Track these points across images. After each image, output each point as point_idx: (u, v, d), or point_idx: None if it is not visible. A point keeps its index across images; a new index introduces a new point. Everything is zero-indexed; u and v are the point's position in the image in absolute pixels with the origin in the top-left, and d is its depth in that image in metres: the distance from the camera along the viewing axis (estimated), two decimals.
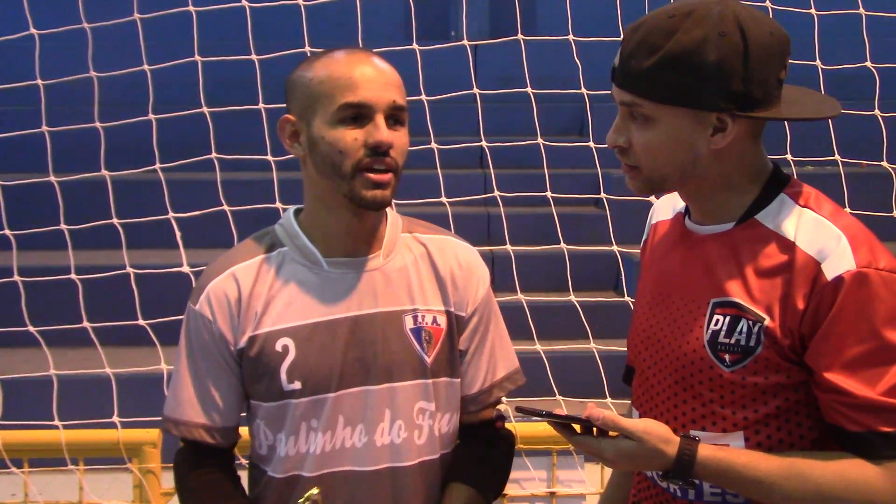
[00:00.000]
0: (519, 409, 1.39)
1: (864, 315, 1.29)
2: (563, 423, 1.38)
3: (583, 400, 2.53)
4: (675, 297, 1.44)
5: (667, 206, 1.58)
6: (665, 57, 1.31)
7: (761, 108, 1.33)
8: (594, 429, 1.36)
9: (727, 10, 1.32)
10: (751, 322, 1.34)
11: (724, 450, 1.33)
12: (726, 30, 1.30)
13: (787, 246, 1.34)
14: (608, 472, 1.91)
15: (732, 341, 1.35)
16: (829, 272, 1.29)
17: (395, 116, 1.50)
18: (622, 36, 1.39)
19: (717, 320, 1.37)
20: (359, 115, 1.47)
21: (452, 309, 1.60)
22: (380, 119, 1.48)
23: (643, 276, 1.58)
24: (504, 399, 1.69)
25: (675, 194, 1.53)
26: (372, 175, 1.47)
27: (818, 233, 1.33)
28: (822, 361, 1.31)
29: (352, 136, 1.47)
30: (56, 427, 2.77)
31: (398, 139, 1.50)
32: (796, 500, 1.31)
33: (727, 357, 1.36)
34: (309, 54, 1.58)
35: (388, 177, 1.49)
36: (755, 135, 1.39)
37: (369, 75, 1.49)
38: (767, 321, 1.32)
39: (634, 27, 1.37)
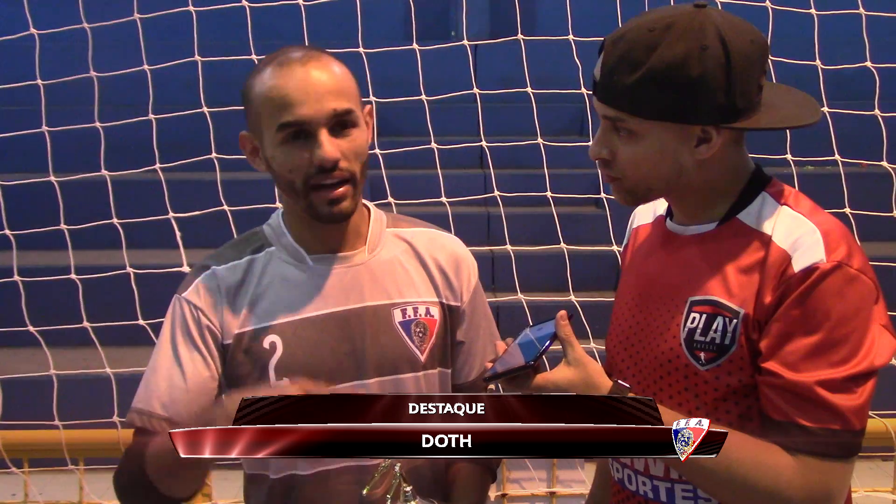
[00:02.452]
0: (487, 381, 1.42)
1: (821, 308, 1.28)
2: (516, 376, 1.38)
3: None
4: (655, 299, 1.45)
5: (647, 211, 1.59)
6: (648, 73, 1.31)
7: (744, 116, 1.34)
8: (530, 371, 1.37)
9: (707, 21, 1.31)
10: (727, 319, 1.34)
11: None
12: (708, 43, 1.30)
13: (765, 242, 1.35)
14: None
15: (708, 339, 1.36)
16: (798, 264, 1.30)
17: (341, 122, 1.47)
18: (601, 48, 1.38)
19: (694, 318, 1.37)
20: (300, 131, 1.45)
21: (445, 300, 1.61)
22: (322, 135, 1.45)
23: (623, 280, 1.58)
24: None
25: None
26: (324, 193, 1.46)
27: (794, 228, 1.34)
28: (767, 343, 1.31)
29: (298, 155, 1.46)
30: (56, 427, 2.77)
31: (349, 144, 1.47)
32: (706, 472, 1.30)
33: (702, 355, 1.36)
34: None
35: (342, 190, 1.47)
36: (738, 141, 1.40)
37: (303, 88, 1.44)
38: (742, 314, 1.33)
39: (614, 40, 1.36)
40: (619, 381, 1.36)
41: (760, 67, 1.35)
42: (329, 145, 1.44)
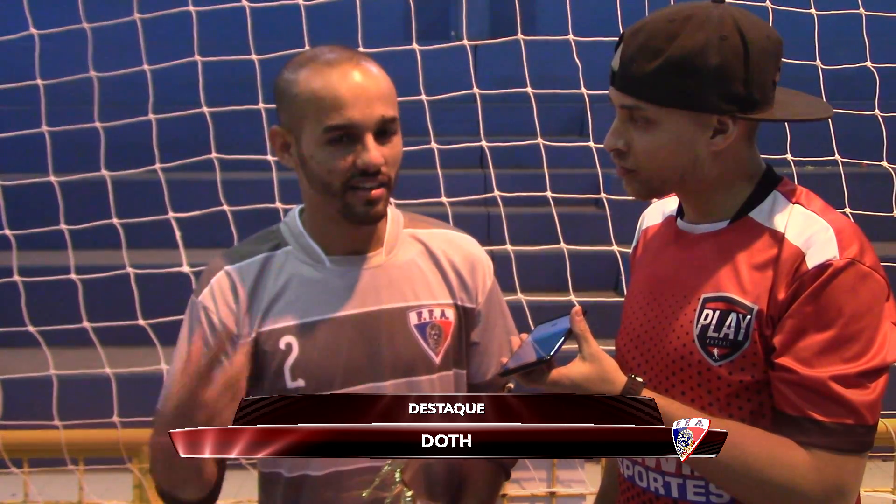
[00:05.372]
0: (502, 376, 1.42)
1: (834, 304, 1.30)
2: (531, 370, 1.38)
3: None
4: (668, 296, 1.46)
5: (656, 212, 1.61)
6: (668, 61, 1.33)
7: (760, 109, 1.36)
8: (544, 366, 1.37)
9: (725, 14, 1.35)
10: (740, 316, 1.36)
11: (667, 400, 1.35)
12: (727, 33, 1.33)
13: (778, 239, 1.36)
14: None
15: (721, 335, 1.37)
16: (812, 261, 1.32)
17: (384, 130, 1.47)
18: (620, 40, 1.40)
19: (707, 315, 1.39)
20: (346, 135, 1.44)
21: (460, 302, 1.61)
22: (368, 139, 1.44)
23: (633, 280, 1.60)
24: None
25: (664, 199, 1.55)
26: (362, 193, 1.46)
27: (806, 225, 1.35)
28: (780, 339, 1.32)
29: (340, 157, 1.45)
30: (56, 427, 2.77)
31: (390, 151, 1.47)
32: (721, 467, 1.31)
33: (716, 351, 1.37)
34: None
35: (380, 192, 1.47)
36: (750, 136, 1.42)
37: (355, 91, 1.44)
38: (756, 310, 1.34)
39: (634, 31, 1.38)
40: (634, 377, 1.37)
41: (776, 63, 1.38)
42: (375, 151, 1.44)
